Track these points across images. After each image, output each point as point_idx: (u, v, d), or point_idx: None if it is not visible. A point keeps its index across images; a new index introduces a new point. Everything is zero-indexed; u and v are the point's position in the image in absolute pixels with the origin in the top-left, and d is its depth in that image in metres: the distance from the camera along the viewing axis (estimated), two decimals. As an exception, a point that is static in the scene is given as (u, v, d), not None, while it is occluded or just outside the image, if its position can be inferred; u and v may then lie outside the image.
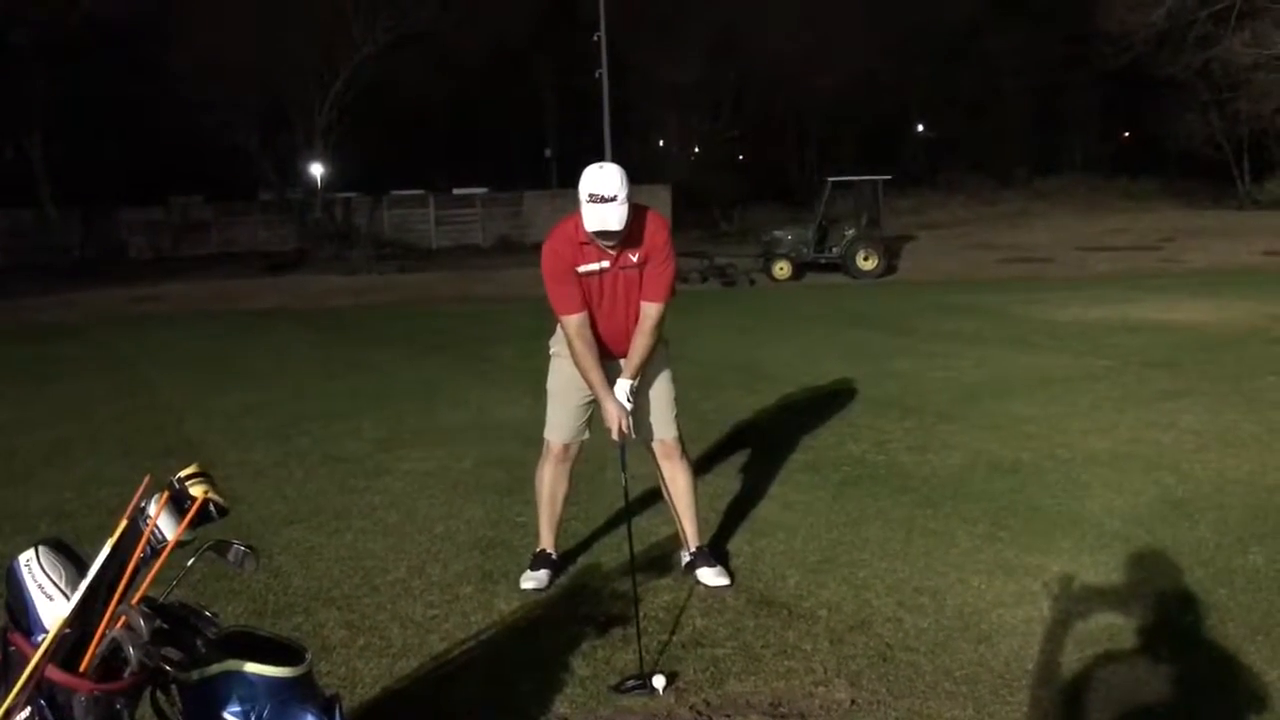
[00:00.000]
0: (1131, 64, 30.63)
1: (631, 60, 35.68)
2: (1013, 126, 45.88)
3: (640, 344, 4.05)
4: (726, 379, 8.85)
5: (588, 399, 4.18)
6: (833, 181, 22.34)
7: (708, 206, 35.98)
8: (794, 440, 6.51)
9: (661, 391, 4.24)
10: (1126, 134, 48.32)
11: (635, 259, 3.99)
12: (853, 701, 3.23)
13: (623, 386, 4.07)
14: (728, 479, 5.63)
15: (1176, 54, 29.27)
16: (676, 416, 4.26)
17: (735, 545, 4.64)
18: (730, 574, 4.23)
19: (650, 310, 4.02)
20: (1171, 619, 3.75)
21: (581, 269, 3.96)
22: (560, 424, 4.27)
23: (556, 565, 4.36)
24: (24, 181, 31.76)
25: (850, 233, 21.10)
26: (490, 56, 36.13)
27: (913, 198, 36.87)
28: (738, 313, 14.95)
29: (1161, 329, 11.18)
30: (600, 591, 4.14)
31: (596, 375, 4.02)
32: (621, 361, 4.10)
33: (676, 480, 4.28)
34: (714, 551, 4.41)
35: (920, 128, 48.19)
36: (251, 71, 29.12)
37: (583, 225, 3.87)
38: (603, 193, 3.75)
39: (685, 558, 4.32)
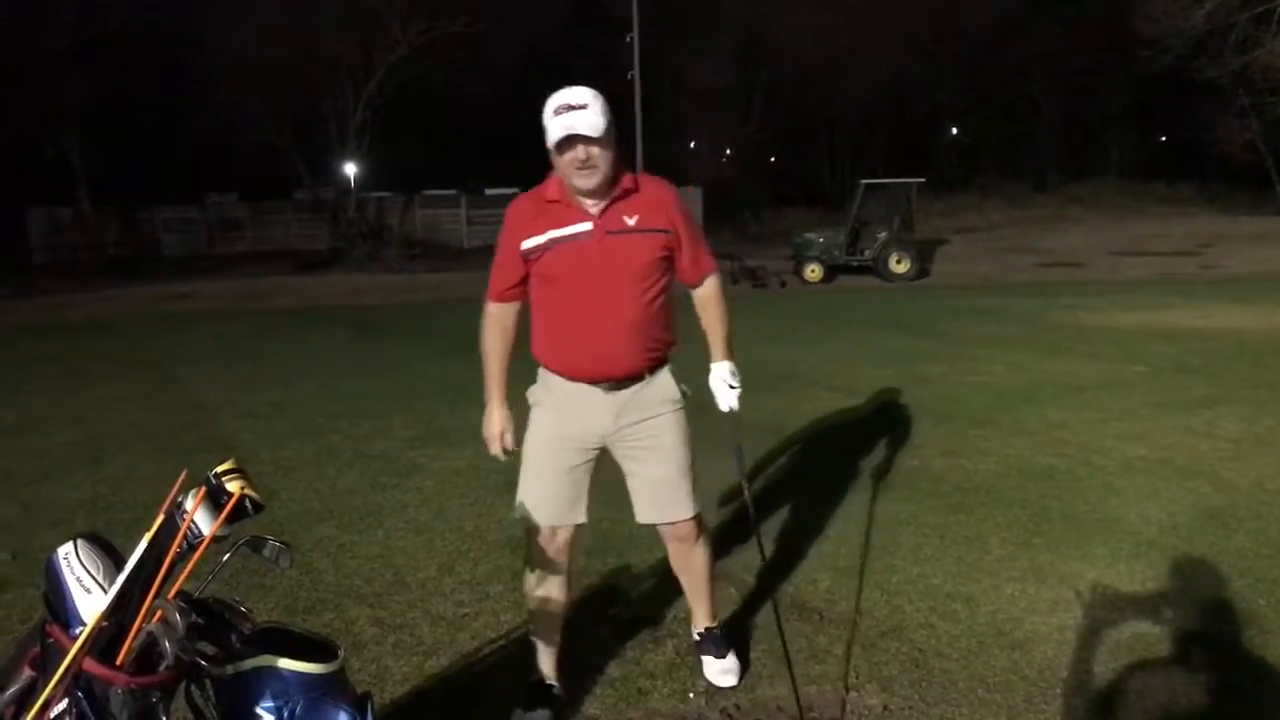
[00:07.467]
0: (1168, 67, 30.24)
1: (663, 62, 35.63)
2: (1046, 130, 45.49)
3: (719, 316, 3.24)
4: (756, 382, 8.70)
5: (583, 462, 3.16)
6: (865, 184, 22.18)
7: (738, 208, 35.92)
8: (825, 444, 6.48)
9: (673, 455, 3.16)
10: (1163, 138, 47.74)
11: (631, 221, 2.98)
12: (885, 707, 3.21)
13: (722, 369, 3.22)
14: (758, 482, 5.60)
15: (1215, 57, 28.87)
16: (695, 486, 3.21)
17: (767, 549, 4.62)
18: (741, 670, 3.41)
19: (712, 282, 3.21)
20: (1208, 629, 3.70)
21: (550, 235, 2.98)
22: (543, 499, 3.18)
23: (560, 700, 3.24)
24: (62, 181, 32.26)
25: (882, 236, 20.99)
26: (523, 57, 36.19)
27: (946, 201, 36.60)
28: (768, 315, 14.89)
29: (1198, 335, 11.04)
30: (630, 593, 4.13)
31: (497, 371, 3.23)
32: (602, 388, 3.08)
33: (691, 562, 3.37)
34: (725, 636, 3.52)
35: (954, 131, 47.85)
36: (285, 72, 29.37)
37: (559, 179, 2.98)
38: (570, 101, 2.84)
39: (694, 635, 3.56)
